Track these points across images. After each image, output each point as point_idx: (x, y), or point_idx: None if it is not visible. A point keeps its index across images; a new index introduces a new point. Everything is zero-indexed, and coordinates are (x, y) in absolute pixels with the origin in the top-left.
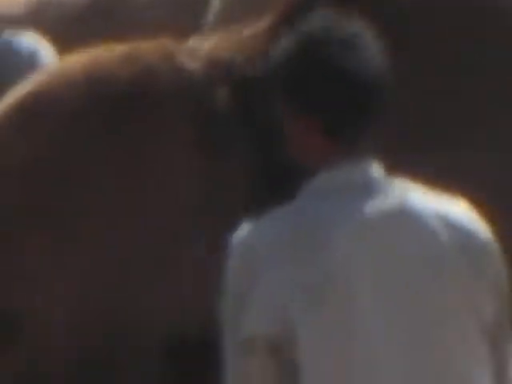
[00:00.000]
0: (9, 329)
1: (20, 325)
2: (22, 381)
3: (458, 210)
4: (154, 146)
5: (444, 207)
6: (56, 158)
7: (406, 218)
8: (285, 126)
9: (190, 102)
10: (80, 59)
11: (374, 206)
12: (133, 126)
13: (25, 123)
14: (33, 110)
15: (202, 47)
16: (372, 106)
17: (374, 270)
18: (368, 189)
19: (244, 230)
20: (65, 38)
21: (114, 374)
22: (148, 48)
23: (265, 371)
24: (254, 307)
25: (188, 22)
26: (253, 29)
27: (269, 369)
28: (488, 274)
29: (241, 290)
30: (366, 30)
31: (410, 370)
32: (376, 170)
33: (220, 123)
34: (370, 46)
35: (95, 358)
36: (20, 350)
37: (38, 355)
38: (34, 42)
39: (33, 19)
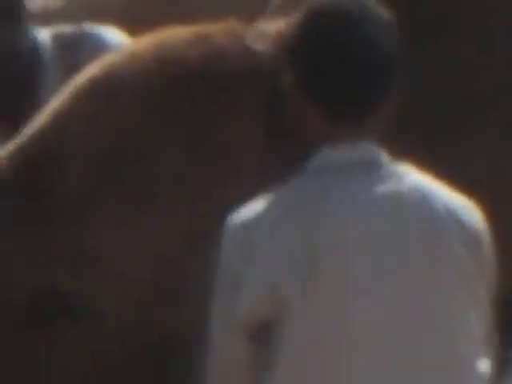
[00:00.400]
0: (76, 312)
1: (87, 308)
2: (85, 363)
3: (457, 196)
4: (224, 124)
5: (443, 192)
6: (131, 138)
7: (404, 196)
8: (292, 104)
9: (259, 83)
10: (150, 41)
11: (374, 184)
12: (204, 106)
13: (98, 104)
14: (105, 91)
15: (269, 29)
16: (377, 90)
17: (372, 247)
18: (368, 168)
19: (241, 210)
20: (134, 21)
21: (184, 362)
22: (217, 30)
23: (245, 355)
24: (249, 284)
25: (253, 7)
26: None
27: (249, 353)
28: (483, 262)
29: (236, 266)
30: (379, 8)
31: (405, 353)
32: (377, 151)
33: (286, 104)
34: (380, 24)
35: (157, 342)
36: (85, 333)
37: (103, 339)
38: (116, 33)
39: (99, 3)
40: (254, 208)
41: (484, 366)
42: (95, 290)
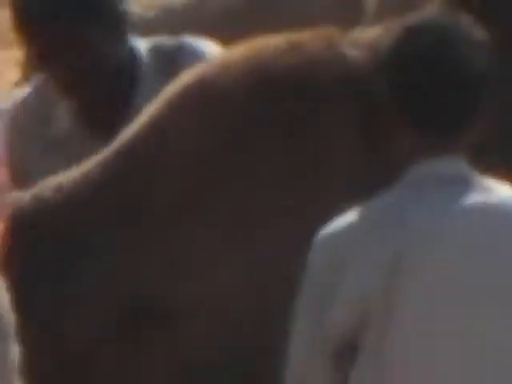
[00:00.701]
0: (162, 316)
1: (174, 313)
2: (167, 368)
3: None
4: (317, 134)
5: None
6: (224, 148)
7: (493, 208)
8: (385, 116)
9: (354, 90)
10: (243, 50)
11: (463, 197)
12: (296, 115)
13: (191, 113)
14: (198, 99)
15: (364, 37)
16: (468, 114)
17: (457, 261)
18: (457, 181)
19: (331, 224)
20: (228, 30)
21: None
22: (311, 37)
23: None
24: (340, 298)
25: (350, 14)
26: (409, 18)
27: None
28: None
29: (327, 279)
30: (472, 27)
31: (487, 361)
32: (464, 166)
33: (381, 111)
34: (475, 45)
35: (239, 358)
36: (169, 337)
37: (187, 346)
38: (211, 46)
39: (197, 11)
40: (343, 222)
41: None
42: (189, 297)
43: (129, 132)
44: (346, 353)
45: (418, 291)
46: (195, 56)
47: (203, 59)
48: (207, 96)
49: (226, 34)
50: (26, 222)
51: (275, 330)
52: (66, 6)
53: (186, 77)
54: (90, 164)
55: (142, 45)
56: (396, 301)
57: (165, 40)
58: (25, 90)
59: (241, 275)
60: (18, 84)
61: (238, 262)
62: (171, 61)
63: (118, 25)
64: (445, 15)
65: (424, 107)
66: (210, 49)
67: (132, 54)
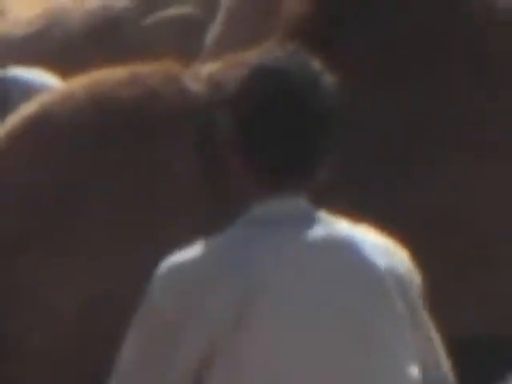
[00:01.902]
0: (7, 346)
1: (16, 343)
2: None
3: (379, 237)
4: (156, 169)
5: (371, 235)
6: (68, 176)
7: (332, 242)
8: (227, 156)
9: (194, 123)
10: (85, 80)
11: (300, 233)
12: (135, 146)
13: (35, 143)
14: (42, 130)
15: (204, 70)
16: (307, 150)
17: (299, 291)
18: (295, 219)
19: (178, 256)
20: (69, 58)
21: None
22: (152, 70)
23: None
24: (187, 337)
25: (190, 45)
26: (249, 53)
27: None
28: (412, 299)
29: (172, 317)
30: (320, 69)
31: None
32: (306, 204)
33: (220, 143)
34: (320, 84)
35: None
36: (17, 369)
37: (35, 375)
38: (47, 76)
39: (39, 39)
40: (186, 256)
41: None
42: (27, 326)
43: None
44: None
45: (264, 329)
46: (28, 88)
47: (37, 91)
48: (51, 127)
49: (67, 66)
50: None
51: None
52: None
53: (29, 108)
54: None
55: None
56: (243, 340)
57: (6, 72)
58: None
59: (75, 305)
60: None
61: (74, 294)
62: (13, 92)
63: None
64: (292, 56)
65: (268, 150)
66: (45, 80)
67: None
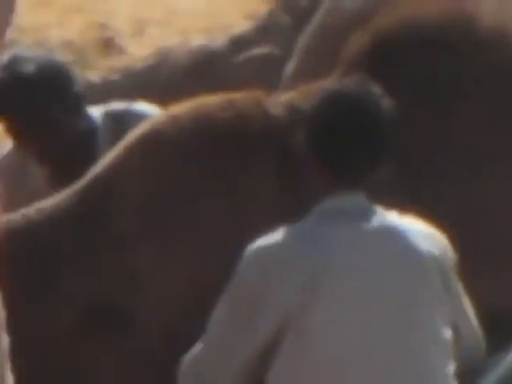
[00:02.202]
0: (113, 323)
1: (124, 321)
2: (127, 368)
3: (422, 225)
4: (246, 177)
5: (410, 224)
6: (174, 187)
7: (383, 233)
8: (303, 161)
9: (276, 141)
10: (190, 105)
11: (361, 224)
12: (230, 162)
13: (146, 158)
14: (153, 146)
15: (283, 98)
16: (368, 162)
17: (359, 273)
18: (357, 213)
19: (263, 241)
20: (174, 90)
21: None
22: (242, 97)
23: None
24: (268, 309)
25: (271, 79)
26: (320, 83)
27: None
28: (449, 277)
29: (254, 289)
30: (380, 94)
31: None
32: (364, 200)
33: (299, 160)
34: (381, 109)
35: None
36: (121, 341)
37: (135, 351)
38: (156, 109)
39: (150, 74)
40: (269, 240)
41: (451, 369)
42: (136, 305)
43: (91, 173)
44: (261, 358)
45: (329, 305)
46: (140, 117)
47: (147, 118)
48: (160, 143)
49: (172, 96)
50: (15, 238)
51: None
52: (36, 95)
53: (142, 127)
54: (62, 196)
55: (96, 112)
56: (311, 312)
57: (117, 105)
58: (7, 145)
59: (180, 289)
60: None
61: (176, 280)
62: (122, 124)
63: (75, 103)
64: (357, 83)
65: (339, 155)
66: (152, 110)
67: (90, 122)
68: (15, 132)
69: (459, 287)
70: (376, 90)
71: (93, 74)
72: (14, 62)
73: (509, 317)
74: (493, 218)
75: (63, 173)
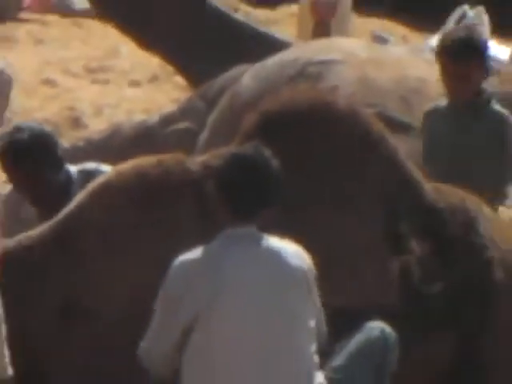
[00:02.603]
0: (81, 317)
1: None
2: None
3: (294, 246)
4: (173, 214)
5: (286, 245)
6: (116, 222)
7: (267, 254)
8: (215, 202)
9: (194, 189)
10: (130, 164)
11: (251, 247)
12: (160, 204)
13: (98, 203)
14: (108, 192)
15: (200, 158)
16: (261, 202)
17: (247, 285)
18: (248, 239)
19: (183, 257)
20: (124, 154)
21: None
22: (169, 158)
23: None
24: (185, 306)
25: (191, 145)
26: (225, 149)
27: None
28: (314, 292)
29: (178, 292)
30: (269, 156)
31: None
32: (255, 230)
33: (213, 203)
34: (271, 167)
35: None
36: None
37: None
38: (107, 166)
39: (104, 144)
40: (188, 256)
41: (314, 348)
42: (99, 303)
43: (65, 209)
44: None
45: (224, 311)
46: (102, 172)
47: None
48: (112, 190)
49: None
50: (9, 260)
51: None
52: (31, 157)
53: (98, 180)
54: (44, 227)
55: (73, 168)
56: (212, 315)
57: (88, 165)
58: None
59: (126, 292)
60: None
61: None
62: (92, 177)
63: (58, 162)
64: (253, 148)
65: (236, 199)
66: (107, 168)
67: (68, 175)
68: (15, 181)
69: (316, 291)
70: (267, 152)
71: (65, 142)
72: (17, 130)
73: (351, 312)
74: (345, 240)
75: (48, 210)
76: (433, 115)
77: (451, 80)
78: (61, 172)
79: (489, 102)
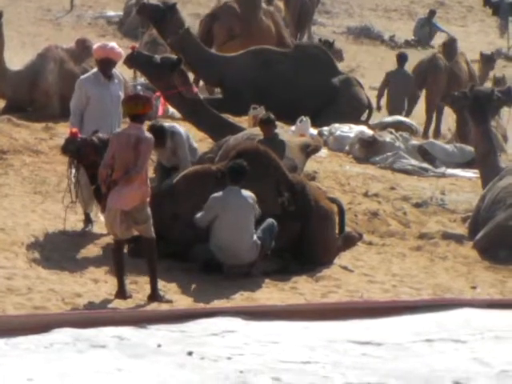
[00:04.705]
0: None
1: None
2: None
3: (249, 192)
4: (206, 185)
5: (247, 192)
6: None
7: (240, 194)
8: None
9: (213, 176)
10: (194, 168)
11: (236, 193)
12: (201, 182)
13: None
14: (185, 176)
15: (216, 165)
16: (241, 177)
17: (234, 204)
18: (233, 190)
19: (213, 195)
20: None
21: None
22: (206, 166)
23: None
24: (212, 210)
25: None
26: (223, 163)
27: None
28: (255, 207)
29: (210, 205)
30: (245, 165)
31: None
32: (238, 188)
33: (221, 179)
34: (245, 166)
35: None
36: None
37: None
38: None
39: None
40: (215, 194)
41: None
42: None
43: None
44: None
45: (225, 213)
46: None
47: None
48: (187, 175)
49: None
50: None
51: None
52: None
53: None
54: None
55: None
56: (223, 214)
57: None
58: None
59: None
60: None
61: None
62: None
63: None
64: (238, 161)
65: (232, 175)
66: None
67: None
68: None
69: (256, 207)
70: (243, 163)
71: None
72: None
73: (266, 214)
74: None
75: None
76: None
77: None
78: None
79: None
